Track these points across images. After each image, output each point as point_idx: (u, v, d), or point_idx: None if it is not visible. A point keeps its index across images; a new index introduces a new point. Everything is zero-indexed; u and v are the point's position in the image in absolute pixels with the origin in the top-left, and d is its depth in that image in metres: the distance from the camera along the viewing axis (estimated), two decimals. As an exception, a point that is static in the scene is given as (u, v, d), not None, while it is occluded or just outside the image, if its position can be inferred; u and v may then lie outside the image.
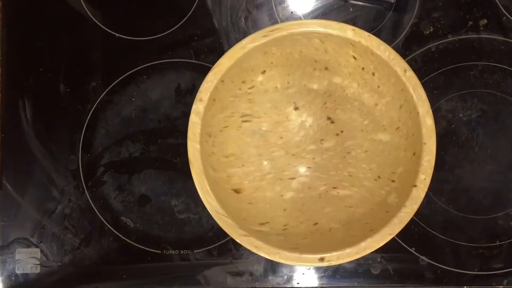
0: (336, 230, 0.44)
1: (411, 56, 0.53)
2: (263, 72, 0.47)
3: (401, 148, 0.44)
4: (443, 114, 0.53)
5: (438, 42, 0.54)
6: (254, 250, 0.41)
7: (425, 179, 0.41)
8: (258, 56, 0.45)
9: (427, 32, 0.54)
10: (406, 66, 0.42)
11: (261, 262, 0.51)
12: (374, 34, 0.55)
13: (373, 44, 0.42)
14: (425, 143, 0.41)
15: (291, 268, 0.52)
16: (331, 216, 0.46)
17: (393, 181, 0.44)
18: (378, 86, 0.45)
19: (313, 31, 0.43)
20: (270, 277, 0.52)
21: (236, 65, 0.43)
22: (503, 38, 0.54)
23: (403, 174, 0.43)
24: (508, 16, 0.54)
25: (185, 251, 0.52)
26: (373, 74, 0.45)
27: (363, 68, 0.45)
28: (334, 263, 0.40)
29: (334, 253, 0.40)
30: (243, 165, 0.48)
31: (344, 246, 0.40)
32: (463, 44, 0.54)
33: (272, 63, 0.47)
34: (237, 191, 0.46)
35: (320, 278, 0.52)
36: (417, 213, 0.51)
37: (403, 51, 0.54)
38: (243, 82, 0.47)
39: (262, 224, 0.44)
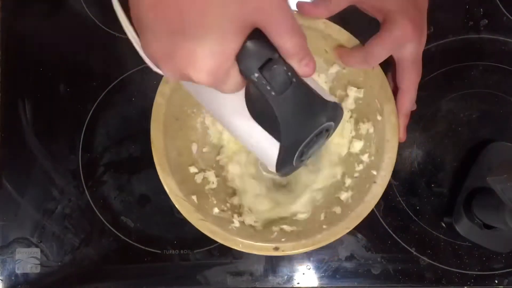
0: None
1: (412, 56, 0.53)
2: None
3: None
4: (443, 114, 0.53)
5: (438, 42, 0.54)
6: (210, 235, 0.41)
7: (385, 175, 0.41)
8: None
9: (427, 32, 0.54)
10: None
11: (261, 262, 0.51)
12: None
13: (344, 38, 0.41)
14: (388, 140, 0.41)
15: (291, 268, 0.52)
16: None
17: (356, 177, 0.44)
18: (349, 81, 0.45)
19: None
20: (270, 277, 0.51)
21: None
22: (503, 38, 0.54)
23: (366, 170, 0.43)
24: (509, 16, 0.54)
25: (185, 251, 0.52)
26: (344, 69, 0.45)
27: (334, 63, 0.45)
28: (288, 253, 0.40)
29: (289, 243, 0.40)
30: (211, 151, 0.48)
31: (302, 237, 0.41)
32: (463, 44, 0.54)
33: None
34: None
35: (320, 278, 0.51)
36: (418, 213, 0.52)
37: (404, 51, 0.54)
38: None
39: (223, 210, 0.44)
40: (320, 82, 0.47)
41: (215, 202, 0.45)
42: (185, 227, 0.52)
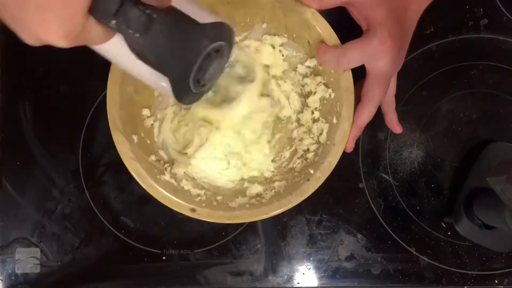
0: None
1: (411, 56, 0.53)
2: None
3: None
4: (444, 114, 0.53)
5: (438, 42, 0.54)
6: (136, 177, 0.41)
7: (319, 177, 0.40)
8: (219, 4, 0.43)
9: (427, 32, 0.54)
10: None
11: (261, 262, 0.52)
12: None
13: (326, 33, 0.41)
14: (334, 145, 0.41)
15: (291, 268, 0.52)
16: None
17: (295, 170, 0.45)
18: (321, 79, 0.45)
19: None
20: (270, 277, 0.52)
21: None
22: (503, 38, 0.54)
23: (305, 167, 0.44)
24: (509, 16, 0.54)
25: (185, 251, 0.52)
26: (320, 65, 0.44)
27: (313, 57, 0.45)
28: (203, 218, 0.40)
29: (207, 209, 0.41)
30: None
31: (221, 208, 0.41)
32: (463, 44, 0.54)
33: (234, 18, 0.45)
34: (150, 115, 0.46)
35: (320, 278, 0.52)
36: (418, 213, 0.52)
37: (404, 51, 0.54)
38: None
39: (159, 160, 0.44)
40: (298, 73, 0.47)
41: (156, 149, 0.45)
42: (185, 227, 0.52)
